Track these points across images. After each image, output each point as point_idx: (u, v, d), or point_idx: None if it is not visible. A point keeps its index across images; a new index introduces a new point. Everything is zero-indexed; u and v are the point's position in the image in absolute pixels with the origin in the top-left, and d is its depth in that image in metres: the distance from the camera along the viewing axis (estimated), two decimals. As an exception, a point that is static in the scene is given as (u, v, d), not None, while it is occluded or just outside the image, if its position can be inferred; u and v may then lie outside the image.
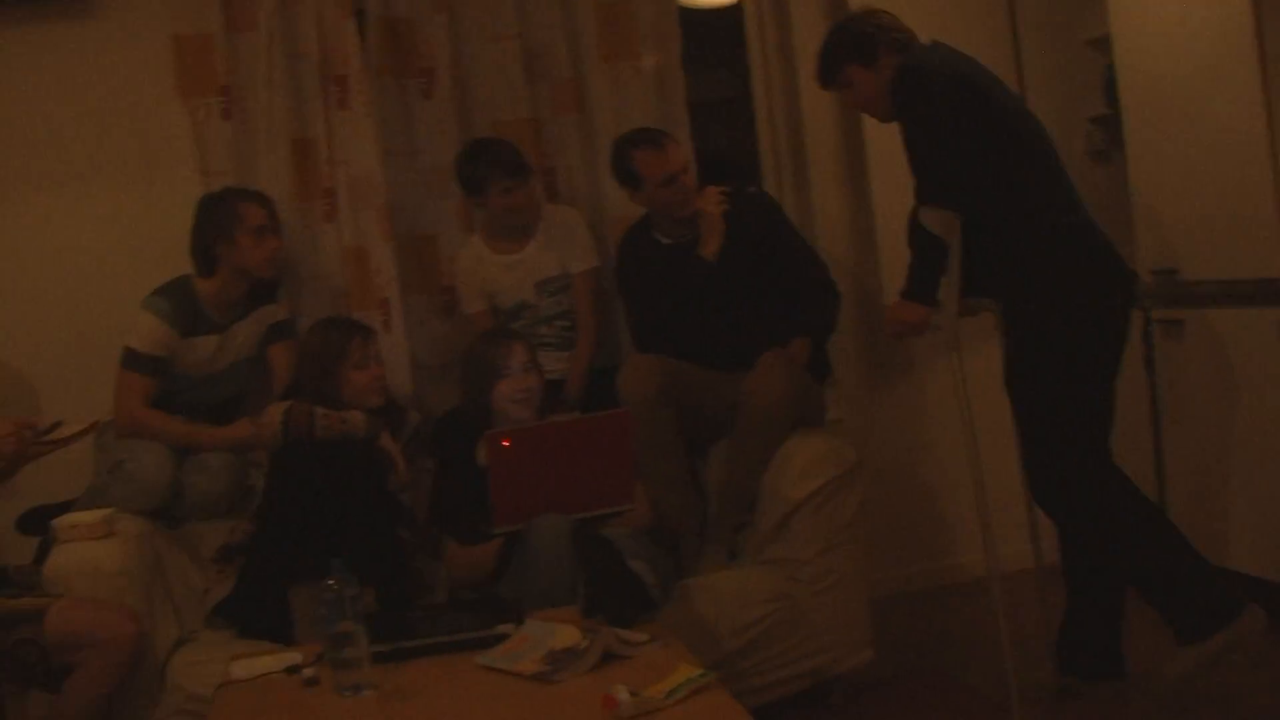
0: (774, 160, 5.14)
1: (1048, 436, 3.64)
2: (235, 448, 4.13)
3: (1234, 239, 4.09)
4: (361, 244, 4.46)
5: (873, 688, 4.10)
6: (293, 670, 3.11)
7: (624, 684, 2.68)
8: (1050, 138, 3.77)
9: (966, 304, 3.74)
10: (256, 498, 4.14)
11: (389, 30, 4.55)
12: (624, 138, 4.38)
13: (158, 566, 3.85)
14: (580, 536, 3.40)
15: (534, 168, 4.53)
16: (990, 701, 3.95)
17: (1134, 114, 4.45)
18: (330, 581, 2.94)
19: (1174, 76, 4.24)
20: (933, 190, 3.61)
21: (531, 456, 3.67)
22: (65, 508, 4.07)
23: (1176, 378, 4.39)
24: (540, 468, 3.67)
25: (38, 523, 4.15)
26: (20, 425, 3.49)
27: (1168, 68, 4.26)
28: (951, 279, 3.66)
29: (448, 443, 4.18)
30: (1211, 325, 4.20)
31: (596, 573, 3.24)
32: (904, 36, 3.81)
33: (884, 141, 4.51)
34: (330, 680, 2.96)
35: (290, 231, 4.39)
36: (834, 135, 5.04)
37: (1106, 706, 3.81)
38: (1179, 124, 4.24)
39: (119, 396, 4.10)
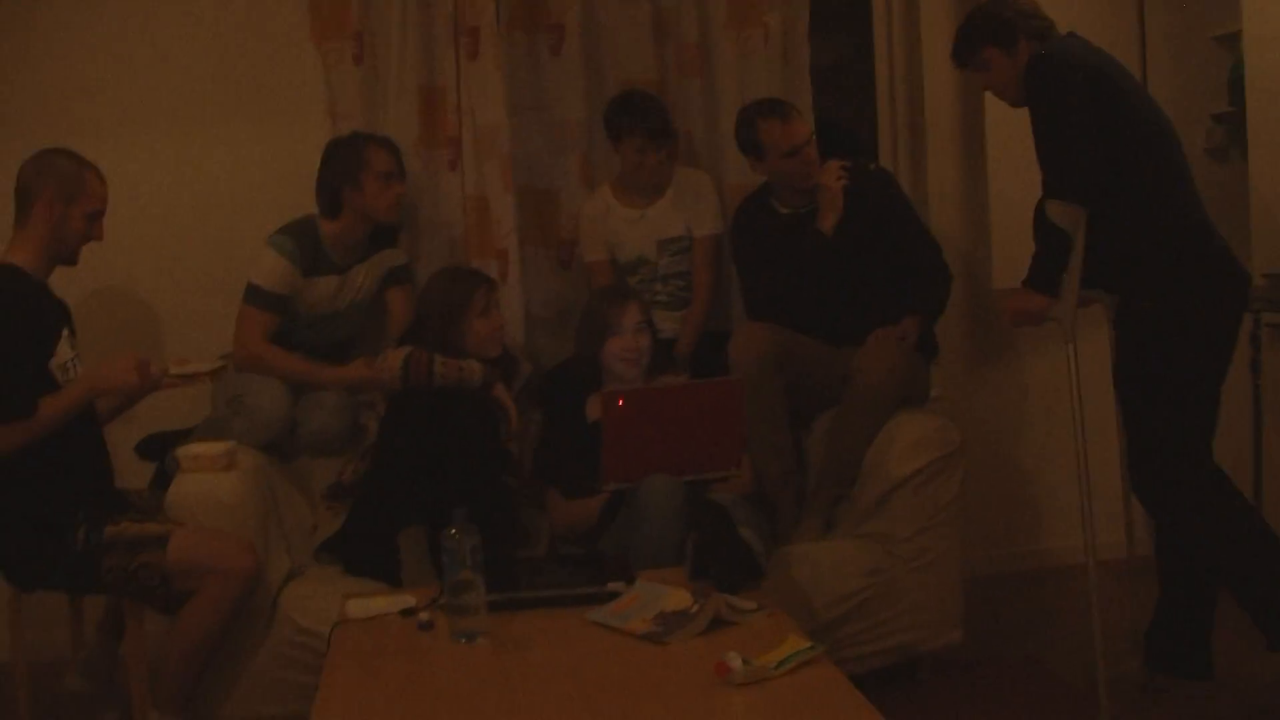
0: (891, 133, 5.16)
1: (1152, 433, 3.67)
2: (350, 388, 4.24)
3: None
4: (483, 194, 4.54)
5: (959, 668, 4.16)
6: (407, 613, 3.20)
7: (736, 651, 2.75)
8: (1177, 136, 3.78)
9: (1082, 295, 3.78)
10: (368, 438, 4.25)
11: (522, -16, 4.63)
12: (750, 107, 4.41)
13: (271, 500, 3.96)
14: (694, 500, 3.47)
15: (677, 133, 4.60)
16: (1075, 690, 3.99)
17: (1259, 113, 4.41)
18: (453, 530, 3.02)
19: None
20: (1060, 184, 3.63)
21: (644, 417, 3.73)
22: (182, 436, 4.20)
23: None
24: (652, 428, 3.74)
25: (156, 449, 4.29)
26: (143, 362, 3.61)
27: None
28: (1072, 271, 3.69)
29: (557, 396, 4.27)
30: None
31: (707, 537, 3.31)
32: (1043, 24, 3.83)
33: (1004, 124, 4.56)
34: (445, 626, 3.06)
35: (413, 178, 4.47)
36: (954, 113, 5.05)
37: (1193, 705, 3.84)
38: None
39: (240, 330, 4.20)
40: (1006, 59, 3.83)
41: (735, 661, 2.70)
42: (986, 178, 4.89)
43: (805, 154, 4.32)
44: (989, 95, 4.48)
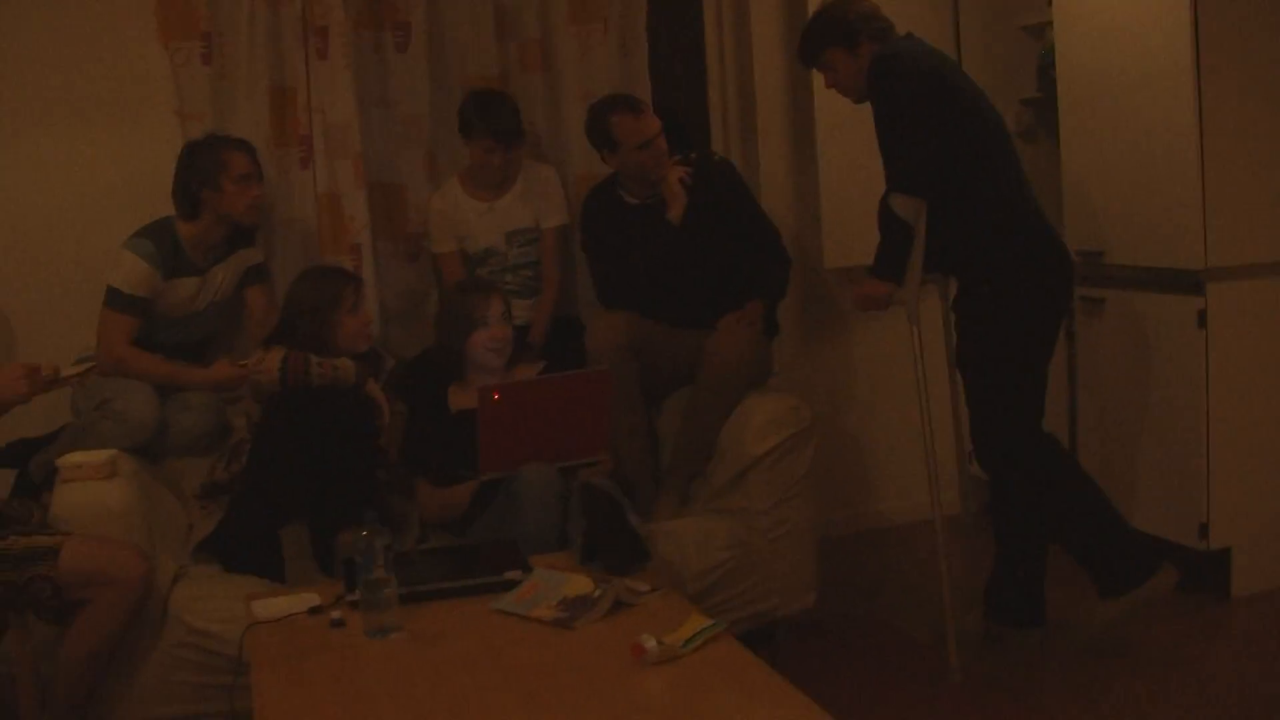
0: (723, 122, 5.40)
1: (995, 405, 4.00)
2: (217, 387, 4.30)
3: (1158, 229, 4.43)
4: (335, 190, 4.64)
5: (813, 629, 4.43)
6: (316, 611, 3.31)
7: (648, 633, 2.96)
8: (1006, 128, 4.10)
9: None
10: (235, 436, 4.32)
11: (367, -18, 4.71)
12: (600, 103, 4.59)
13: (149, 503, 4.02)
14: (584, 489, 3.66)
15: (526, 133, 4.76)
16: (922, 644, 4.32)
17: (1069, 100, 4.76)
18: (364, 531, 3.15)
19: (1111, 68, 4.54)
20: (903, 177, 3.90)
21: (518, 409, 3.91)
22: (44, 443, 4.21)
23: (1094, 352, 4.75)
24: (525, 420, 3.92)
25: (15, 457, 4.29)
26: (31, 369, 3.64)
27: (1106, 59, 4.56)
28: (914, 259, 3.97)
29: (418, 386, 4.39)
30: (1132, 305, 4.57)
31: (598, 523, 3.51)
32: (884, 26, 4.10)
33: (832, 113, 4.85)
34: (356, 622, 3.18)
35: (266, 177, 4.51)
36: (784, 102, 5.30)
37: (1030, 651, 4.19)
38: (1112, 114, 4.56)
39: (104, 335, 4.22)
40: (850, 59, 4.09)
41: (649, 642, 2.89)
42: (816, 164, 5.15)
43: (657, 145, 4.51)
44: (817, 84, 4.76)
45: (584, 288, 4.92)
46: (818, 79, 4.62)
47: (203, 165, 4.26)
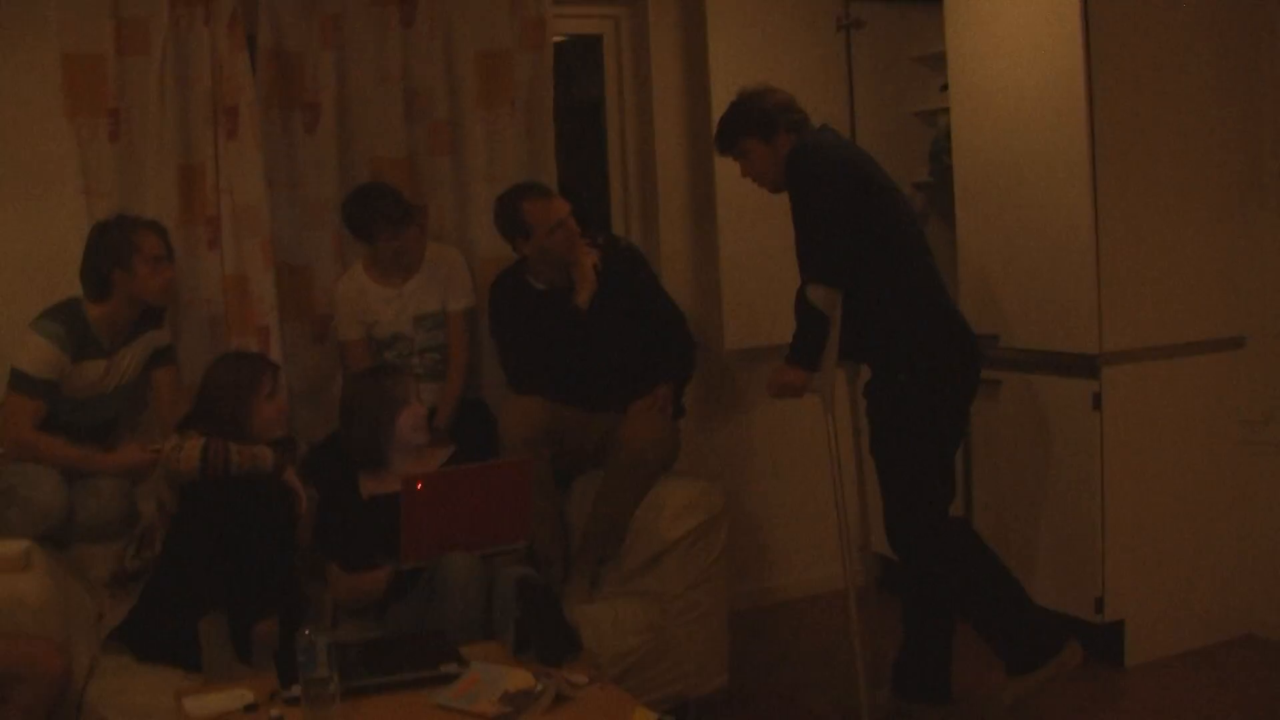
0: (624, 203, 5.50)
1: (906, 491, 4.11)
2: (126, 472, 4.24)
3: (1054, 313, 4.61)
4: (243, 271, 4.60)
5: (723, 708, 4.50)
6: (250, 709, 3.29)
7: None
8: (917, 221, 4.24)
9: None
10: (143, 522, 4.26)
11: (277, 62, 4.70)
12: (509, 192, 4.65)
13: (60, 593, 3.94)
14: (519, 582, 3.69)
15: (418, 208, 4.77)
16: (830, 721, 4.44)
17: (965, 184, 4.93)
18: (306, 631, 3.14)
19: (1007, 153, 4.72)
20: (819, 269, 4.01)
21: (441, 498, 3.93)
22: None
23: (990, 432, 4.90)
24: (448, 509, 3.94)
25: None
26: None
27: (1001, 144, 4.74)
28: (830, 348, 4.08)
29: (327, 471, 4.37)
30: (1027, 387, 4.73)
31: (533, 615, 3.54)
32: (799, 117, 4.21)
33: (734, 194, 4.98)
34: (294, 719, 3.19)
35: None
36: (684, 182, 5.41)
37: (937, 726, 4.33)
38: (1009, 199, 4.74)
39: (8, 420, 4.15)
40: (766, 148, 4.20)
41: (602, 739, 2.96)
42: (716, 246, 5.26)
43: (568, 226, 4.58)
44: (719, 167, 4.88)
45: (489, 370, 4.96)
46: (720, 162, 4.76)
47: (113, 246, 4.20)
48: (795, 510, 5.62)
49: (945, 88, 5.16)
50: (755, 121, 4.20)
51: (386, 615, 4.09)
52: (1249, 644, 4.85)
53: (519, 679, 3.33)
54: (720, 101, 5.01)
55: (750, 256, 5.18)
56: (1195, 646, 4.81)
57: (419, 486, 3.89)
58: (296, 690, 3.22)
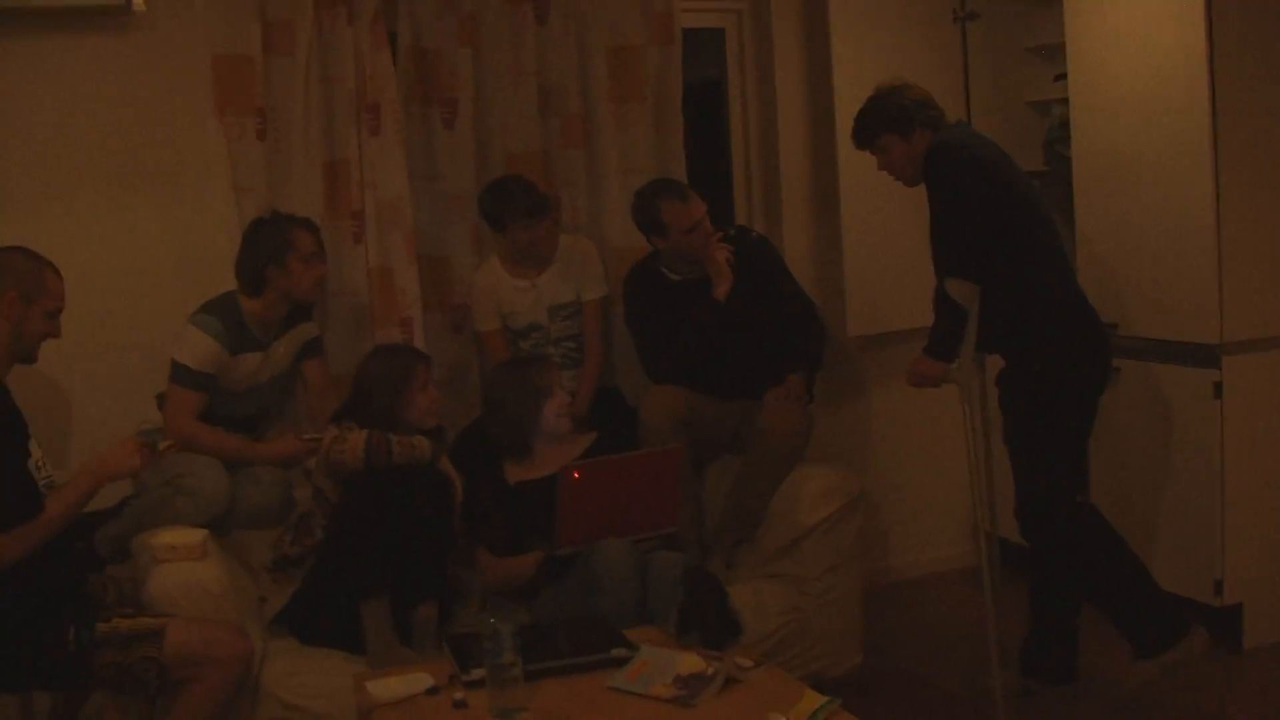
0: (746, 195, 5.60)
1: (1039, 477, 4.22)
2: (283, 462, 4.40)
3: (1175, 303, 4.68)
4: (387, 264, 4.75)
5: (856, 688, 4.57)
6: (433, 692, 3.43)
7: (777, 712, 3.13)
8: (1048, 209, 4.33)
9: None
10: (299, 510, 4.41)
11: (418, 60, 4.85)
12: (648, 189, 4.76)
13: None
14: (689, 573, 3.82)
15: (553, 199, 4.90)
16: (960, 700, 4.54)
17: (1085, 174, 4.98)
18: (491, 619, 3.27)
19: (1127, 142, 4.76)
20: (957, 263, 4.12)
21: (596, 487, 4.07)
22: (101, 517, 4.25)
23: (1110, 418, 4.91)
24: (602, 496, 4.08)
25: (75, 531, 4.33)
26: (142, 444, 3.74)
27: (1122, 133, 4.78)
28: (968, 340, 4.19)
29: (473, 458, 4.51)
30: (1148, 375, 4.81)
31: (697, 600, 3.67)
32: (936, 114, 4.32)
33: (856, 183, 5.08)
34: (477, 702, 3.29)
35: (323, 253, 4.63)
36: (807, 171, 5.51)
37: (1063, 707, 4.41)
38: (1129, 188, 4.78)
39: (170, 411, 4.30)
40: (903, 144, 4.30)
41: (778, 720, 3.09)
42: (839, 234, 5.36)
43: (703, 228, 4.69)
44: (843, 153, 4.99)
45: (623, 359, 5.09)
46: (844, 151, 4.89)
47: (269, 243, 4.34)
48: (914, 492, 5.75)
49: (1059, 78, 5.22)
50: (893, 117, 4.30)
51: (536, 602, 4.23)
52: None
53: (689, 663, 3.43)
54: (843, 93, 5.19)
55: (873, 244, 5.28)
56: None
57: (576, 476, 4.03)
58: (476, 673, 3.37)
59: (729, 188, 5.62)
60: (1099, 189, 4.94)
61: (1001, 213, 4.10)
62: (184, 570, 3.85)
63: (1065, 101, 5.11)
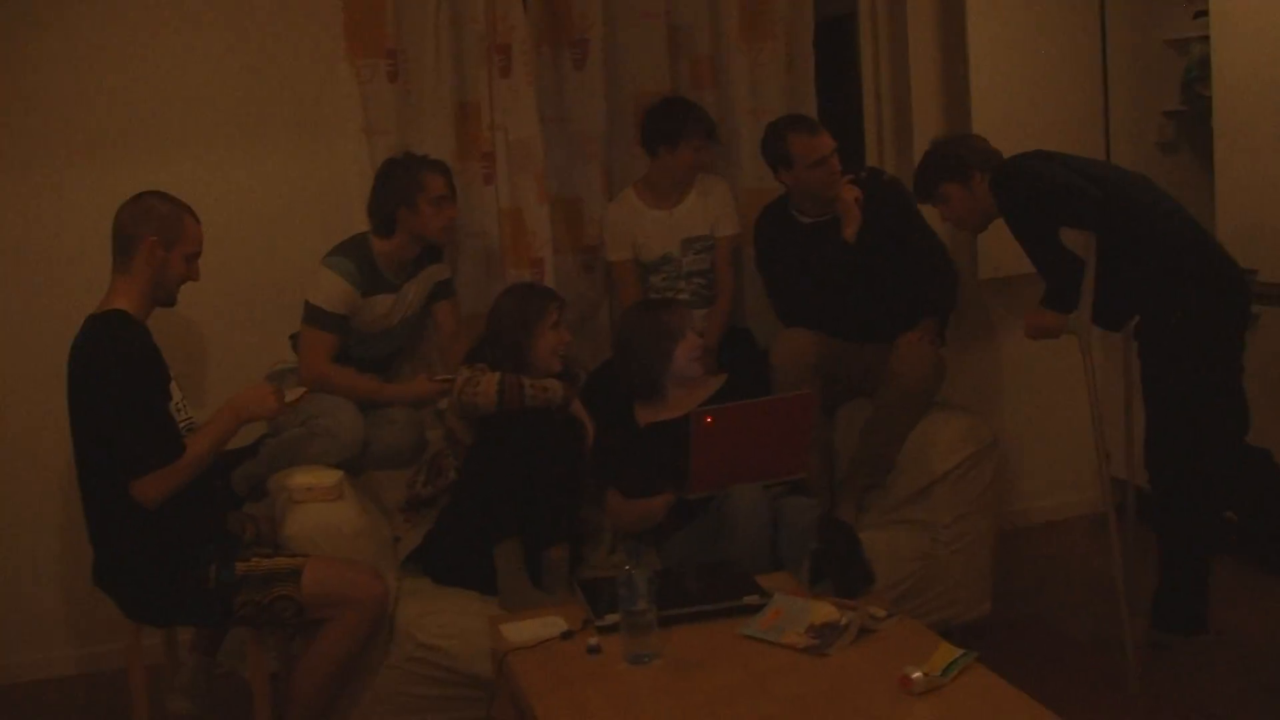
0: (878, 135, 5.50)
1: (1189, 427, 4.13)
2: (416, 402, 4.43)
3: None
4: (518, 206, 4.75)
5: (985, 634, 4.53)
6: (568, 636, 3.44)
7: (911, 664, 3.11)
8: (1149, 180, 4.30)
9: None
10: (432, 450, 4.45)
11: (547, 1, 4.83)
12: (779, 122, 4.71)
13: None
14: (824, 522, 3.80)
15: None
16: (1091, 650, 4.48)
17: (1225, 113, 4.82)
18: (626, 566, 3.27)
19: (1271, 81, 4.61)
20: (1072, 216, 4.05)
21: (728, 432, 4.04)
22: (239, 456, 4.32)
23: (1247, 366, 4.85)
24: (733, 441, 4.06)
25: (213, 469, 4.40)
26: (277, 389, 3.80)
27: (1266, 71, 4.63)
28: (1085, 290, 4.11)
29: (604, 400, 4.52)
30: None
31: (831, 548, 3.65)
32: (995, 158, 4.33)
33: (988, 122, 4.99)
34: (610, 648, 3.32)
35: (454, 195, 4.64)
36: (939, 112, 5.38)
37: (1196, 660, 4.33)
38: (1271, 128, 4.63)
39: (305, 352, 4.35)
40: (964, 191, 4.33)
41: (915, 674, 3.04)
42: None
43: (830, 164, 4.63)
44: (975, 95, 4.91)
45: (753, 299, 5.07)
46: (976, 92, 4.79)
47: (400, 185, 4.37)
48: (1045, 436, 5.67)
49: (1200, 15, 5.09)
50: (950, 166, 4.36)
51: (665, 545, 4.24)
52: None
53: (823, 611, 3.41)
54: (976, 29, 5.10)
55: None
56: None
57: (709, 420, 4.01)
58: (610, 619, 3.39)
59: (860, 129, 5.54)
60: (1241, 130, 4.79)
61: (1087, 190, 4.03)
62: (320, 511, 3.92)
63: (1205, 39, 4.98)
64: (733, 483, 4.05)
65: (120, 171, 4.46)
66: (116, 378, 3.57)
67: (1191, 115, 5.23)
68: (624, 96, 4.97)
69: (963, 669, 3.15)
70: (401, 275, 4.48)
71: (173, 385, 3.74)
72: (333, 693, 3.80)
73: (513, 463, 4.04)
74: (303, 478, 3.99)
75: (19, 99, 4.55)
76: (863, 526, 4.43)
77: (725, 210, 4.95)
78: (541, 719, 3.07)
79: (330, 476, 3.99)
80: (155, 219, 3.74)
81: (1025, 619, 4.79)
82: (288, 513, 3.93)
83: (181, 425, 3.73)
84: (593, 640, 3.38)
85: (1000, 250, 5.21)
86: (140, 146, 4.57)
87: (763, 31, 5.02)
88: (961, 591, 4.44)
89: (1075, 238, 4.05)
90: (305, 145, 4.70)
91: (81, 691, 4.67)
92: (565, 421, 4.20)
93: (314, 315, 4.33)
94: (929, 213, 4.61)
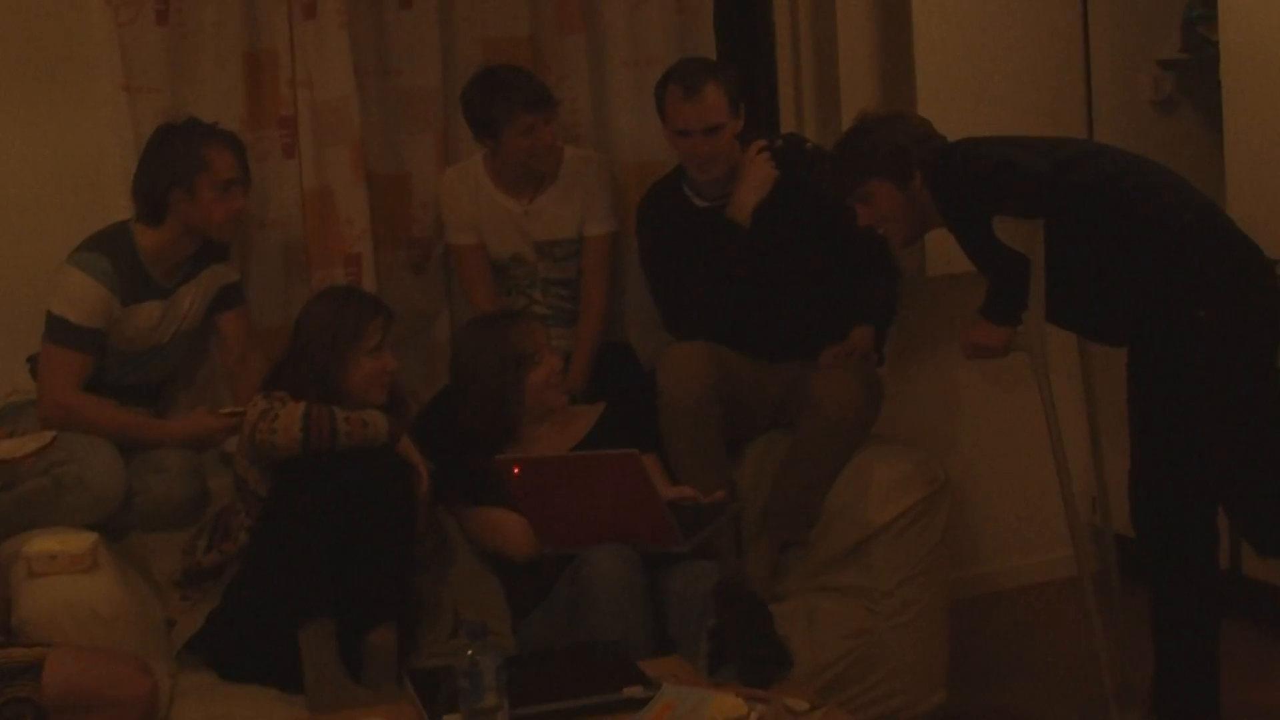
0: (795, 95, 5.53)
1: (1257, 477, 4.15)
2: (194, 444, 4.36)
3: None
4: (327, 185, 4.74)
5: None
6: (397, 744, 3.43)
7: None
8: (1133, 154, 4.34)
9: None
10: (214, 505, 4.38)
11: (364, -81, 4.79)
12: (675, 65, 4.70)
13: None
14: (720, 586, 3.78)
15: (558, 99, 4.84)
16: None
17: (1234, 61, 4.81)
18: (469, 651, 3.24)
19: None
20: (1013, 200, 4.03)
21: (544, 489, 4.14)
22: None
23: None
24: (559, 499, 4.14)
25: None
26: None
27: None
28: (1035, 294, 4.11)
29: (443, 438, 4.48)
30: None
31: (734, 624, 3.61)
32: (940, 144, 4.27)
33: (935, 78, 5.05)
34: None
35: (245, 177, 4.58)
36: (872, 64, 5.41)
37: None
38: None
39: (46, 378, 4.27)
40: (897, 192, 4.23)
41: (846, 786, 3.07)
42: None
43: (695, 144, 4.59)
44: (919, 46, 4.95)
45: (634, 306, 5.09)
46: (921, 41, 4.86)
47: (175, 160, 4.30)
48: (1012, 479, 5.72)
49: (1203, -55, 5.18)
50: (883, 158, 4.22)
51: (521, 625, 4.23)
52: None
53: (726, 705, 3.36)
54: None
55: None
56: None
57: (515, 471, 4.08)
58: (450, 719, 3.35)
59: (774, 88, 5.57)
60: (1254, 83, 4.81)
61: (1033, 164, 4.02)
62: (67, 585, 3.83)
63: (1211, -32, 5.04)
64: (590, 542, 4.06)
65: None
66: None
67: (1194, 65, 5.30)
68: (466, 43, 4.94)
69: (907, 775, 3.17)
70: (174, 277, 4.41)
71: None
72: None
73: (321, 520, 3.97)
74: (44, 543, 3.90)
75: None
76: (777, 595, 4.44)
77: (599, 201, 4.91)
78: None
79: (81, 541, 3.91)
80: None
81: (989, 711, 4.82)
82: (24, 588, 3.84)
83: None
84: (435, 750, 3.36)
85: (954, 241, 5.26)
86: None
87: (647, -43, 5.04)
88: (908, 677, 4.41)
89: (1012, 229, 4.04)
90: (45, 107, 4.59)
91: None
92: (391, 465, 4.14)
93: (57, 329, 4.24)
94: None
